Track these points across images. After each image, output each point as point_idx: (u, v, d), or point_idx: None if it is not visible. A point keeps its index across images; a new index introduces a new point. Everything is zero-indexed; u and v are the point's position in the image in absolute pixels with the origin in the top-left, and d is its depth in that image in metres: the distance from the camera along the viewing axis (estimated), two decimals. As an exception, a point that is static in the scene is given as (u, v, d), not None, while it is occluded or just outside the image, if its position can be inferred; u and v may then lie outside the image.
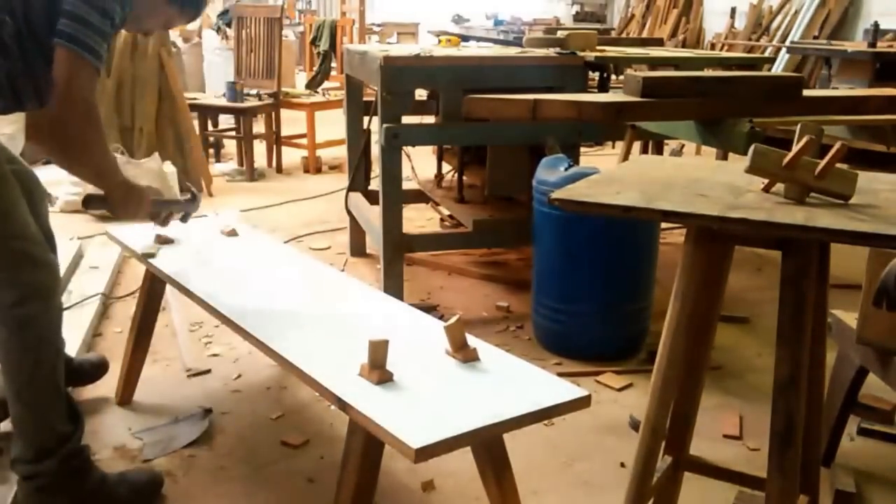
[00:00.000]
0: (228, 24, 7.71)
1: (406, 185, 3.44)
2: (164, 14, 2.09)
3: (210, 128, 6.29)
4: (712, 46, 9.82)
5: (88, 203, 2.14)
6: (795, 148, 1.39)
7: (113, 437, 2.40)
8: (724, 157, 3.94)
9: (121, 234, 2.58)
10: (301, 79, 9.05)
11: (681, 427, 1.74)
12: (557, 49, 3.48)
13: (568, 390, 1.58)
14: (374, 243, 3.78)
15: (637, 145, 4.32)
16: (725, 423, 2.53)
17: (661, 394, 1.54)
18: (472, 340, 1.72)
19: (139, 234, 2.55)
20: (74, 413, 2.03)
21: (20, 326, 1.88)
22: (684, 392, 1.70)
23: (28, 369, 1.91)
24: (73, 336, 2.76)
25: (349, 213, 4.04)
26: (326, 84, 7.60)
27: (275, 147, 6.25)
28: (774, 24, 9.34)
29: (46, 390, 1.94)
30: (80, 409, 2.07)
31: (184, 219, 2.41)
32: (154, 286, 2.51)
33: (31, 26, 1.82)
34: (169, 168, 4.87)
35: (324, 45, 7.84)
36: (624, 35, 10.76)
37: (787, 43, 7.83)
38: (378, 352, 1.57)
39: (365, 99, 4.00)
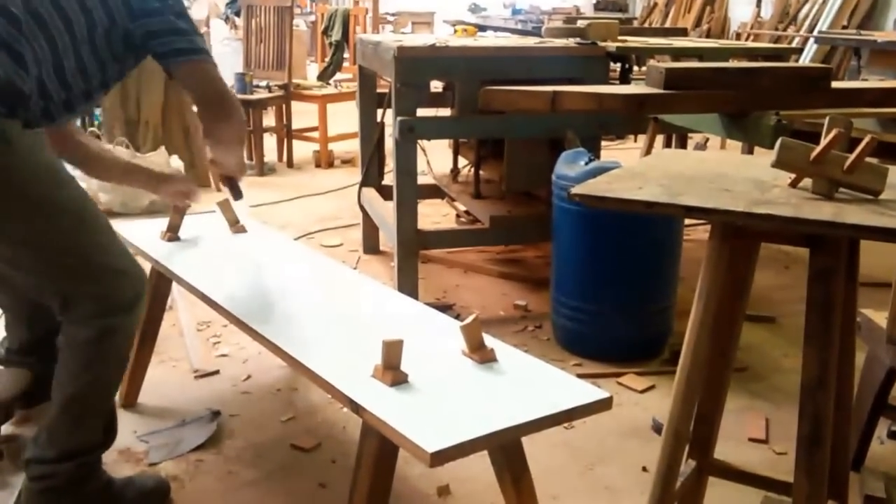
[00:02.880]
0: (237, 14, 7.67)
1: (421, 180, 3.40)
2: None
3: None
4: (738, 36, 9.73)
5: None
6: (824, 142, 1.38)
7: (117, 440, 2.32)
8: (750, 151, 3.90)
9: (126, 232, 2.55)
10: (312, 70, 9.00)
11: (705, 430, 1.72)
12: (578, 39, 3.45)
13: (588, 392, 1.56)
14: (387, 240, 3.75)
15: (660, 139, 4.26)
16: (751, 425, 2.49)
17: (684, 396, 1.52)
18: (490, 340, 1.71)
19: (145, 231, 2.51)
20: (110, 425, 2.00)
21: (100, 336, 1.84)
22: (708, 394, 1.68)
23: (84, 382, 1.86)
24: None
25: (362, 208, 4.00)
26: (339, 75, 7.55)
27: (285, 141, 6.20)
28: (802, 14, 9.23)
29: (96, 406, 1.92)
30: (116, 424, 2.04)
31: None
32: (160, 284, 2.48)
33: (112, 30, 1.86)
34: (176, 162, 4.82)
35: (336, 35, 7.77)
36: (646, 25, 10.70)
37: (815, 33, 7.75)
38: (392, 352, 1.55)
39: (378, 91, 3.97)
